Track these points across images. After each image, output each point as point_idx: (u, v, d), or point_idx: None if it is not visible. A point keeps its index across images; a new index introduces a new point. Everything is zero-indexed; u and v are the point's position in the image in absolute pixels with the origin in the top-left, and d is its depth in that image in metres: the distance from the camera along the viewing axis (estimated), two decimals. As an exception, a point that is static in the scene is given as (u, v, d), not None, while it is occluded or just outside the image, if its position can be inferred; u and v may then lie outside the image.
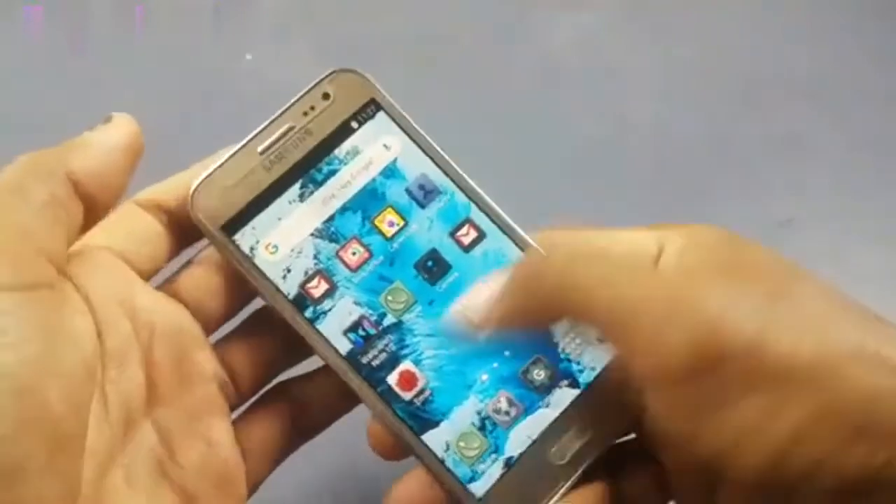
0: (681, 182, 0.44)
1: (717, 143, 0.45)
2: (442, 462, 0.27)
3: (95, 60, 0.47)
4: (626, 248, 0.26)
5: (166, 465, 0.26)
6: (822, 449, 0.21)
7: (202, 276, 0.28)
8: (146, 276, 0.27)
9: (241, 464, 0.27)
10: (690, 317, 0.22)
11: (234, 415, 0.28)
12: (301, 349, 0.29)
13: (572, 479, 0.26)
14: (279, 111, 0.28)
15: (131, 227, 0.27)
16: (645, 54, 0.48)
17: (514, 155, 0.44)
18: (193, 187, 0.27)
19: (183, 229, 0.28)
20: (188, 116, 0.45)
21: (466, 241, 0.28)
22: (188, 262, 0.29)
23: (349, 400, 0.29)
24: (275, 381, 0.30)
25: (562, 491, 0.26)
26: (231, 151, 0.27)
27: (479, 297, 0.26)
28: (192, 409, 0.27)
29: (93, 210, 0.25)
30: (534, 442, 0.27)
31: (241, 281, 0.28)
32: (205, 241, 0.28)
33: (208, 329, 0.28)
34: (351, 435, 0.29)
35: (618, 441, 0.27)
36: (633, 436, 0.28)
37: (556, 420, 0.27)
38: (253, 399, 0.29)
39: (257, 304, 0.30)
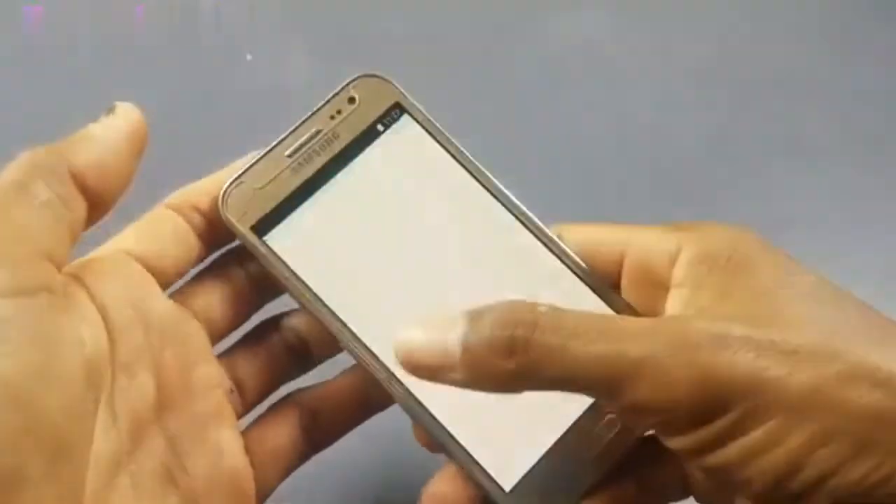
0: (681, 182, 0.44)
1: (717, 143, 0.45)
2: (470, 455, 0.27)
3: (95, 60, 0.47)
4: (643, 244, 0.27)
5: (175, 473, 0.26)
6: (824, 469, 0.22)
7: (210, 286, 0.28)
8: (170, 279, 0.27)
9: (250, 473, 0.27)
10: (689, 368, 0.22)
11: (242, 424, 0.29)
12: (307, 359, 0.29)
13: (602, 471, 0.27)
14: (307, 115, 0.28)
15: (159, 230, 0.27)
16: (645, 54, 0.48)
17: (513, 155, 0.44)
18: (223, 189, 0.27)
19: (214, 231, 0.28)
20: (188, 116, 0.45)
21: None
22: (199, 272, 0.29)
23: (362, 410, 0.29)
24: (285, 391, 0.30)
25: (591, 482, 0.26)
26: (260, 154, 0.28)
27: (433, 335, 0.23)
28: (200, 418, 0.27)
29: (98, 204, 0.25)
30: (562, 436, 0.27)
31: (272, 280, 0.28)
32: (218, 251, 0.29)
33: (214, 338, 0.28)
34: (358, 439, 0.29)
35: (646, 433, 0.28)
36: None
37: (584, 413, 0.27)
38: (261, 409, 0.29)
39: (262, 314, 0.30)
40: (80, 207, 0.24)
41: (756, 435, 0.22)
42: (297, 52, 0.47)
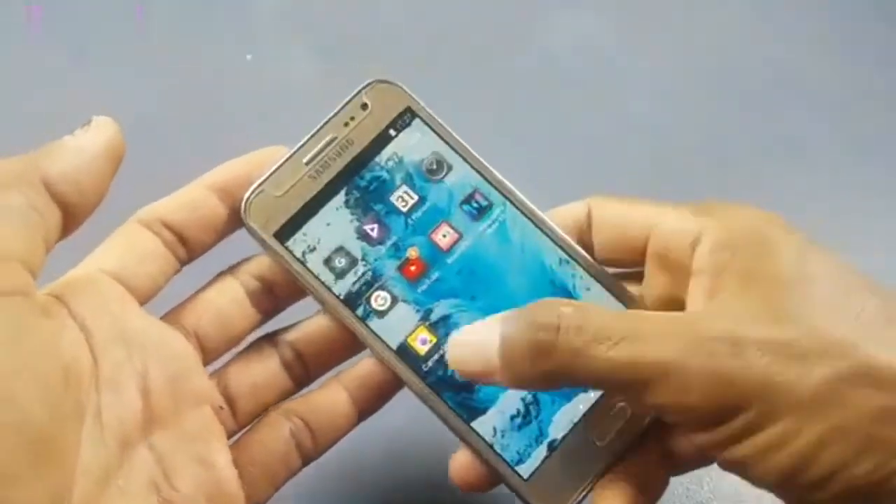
0: (681, 182, 0.44)
1: (717, 143, 0.45)
2: (491, 446, 0.29)
3: (95, 60, 0.47)
4: (670, 224, 0.28)
5: (162, 489, 0.26)
6: (831, 466, 0.24)
7: (205, 303, 0.29)
8: (146, 296, 0.28)
9: (238, 488, 0.28)
10: (706, 374, 0.24)
11: (234, 440, 0.29)
12: (302, 378, 0.30)
13: (613, 457, 0.28)
14: (321, 123, 0.30)
15: (131, 247, 0.28)
16: (645, 54, 0.48)
17: (512, 155, 0.44)
18: (245, 198, 0.29)
19: (185, 246, 0.29)
20: (188, 116, 0.45)
21: None
22: (197, 291, 0.30)
23: (353, 419, 0.30)
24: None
25: (603, 468, 0.28)
26: (279, 162, 0.29)
27: (474, 344, 0.26)
28: (188, 434, 0.27)
29: (72, 215, 0.25)
30: (575, 424, 0.29)
31: (294, 284, 0.29)
32: (213, 270, 0.30)
33: (210, 356, 0.29)
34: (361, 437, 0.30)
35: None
36: None
37: (595, 403, 0.29)
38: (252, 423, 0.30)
39: (259, 331, 0.31)
40: (53, 216, 0.25)
41: (768, 434, 0.24)
42: (297, 52, 0.48)
